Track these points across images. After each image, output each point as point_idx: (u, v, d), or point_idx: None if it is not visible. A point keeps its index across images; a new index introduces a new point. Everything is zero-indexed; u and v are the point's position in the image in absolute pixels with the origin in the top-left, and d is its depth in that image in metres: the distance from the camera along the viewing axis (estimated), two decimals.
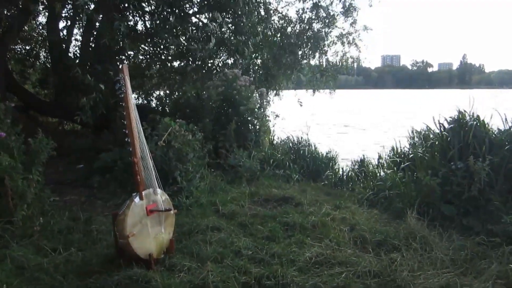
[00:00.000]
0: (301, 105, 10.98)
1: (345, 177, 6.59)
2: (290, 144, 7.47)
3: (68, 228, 4.09)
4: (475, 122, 4.72)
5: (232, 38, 7.42)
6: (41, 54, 11.54)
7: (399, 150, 6.40)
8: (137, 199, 3.27)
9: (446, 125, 5.09)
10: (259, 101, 7.08)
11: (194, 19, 7.91)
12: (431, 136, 5.50)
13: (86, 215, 4.49)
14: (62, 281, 3.09)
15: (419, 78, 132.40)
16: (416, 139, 6.17)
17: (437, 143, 5.14)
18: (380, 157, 6.24)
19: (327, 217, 4.39)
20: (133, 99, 3.33)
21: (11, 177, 4.01)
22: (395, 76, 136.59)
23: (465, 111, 4.94)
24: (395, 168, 5.73)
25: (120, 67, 3.27)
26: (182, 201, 4.76)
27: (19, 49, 11.32)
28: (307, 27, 10.30)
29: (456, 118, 4.95)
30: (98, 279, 3.08)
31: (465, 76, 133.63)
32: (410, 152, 6.08)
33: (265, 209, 4.80)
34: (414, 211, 4.17)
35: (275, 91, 10.93)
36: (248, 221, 4.29)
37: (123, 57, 7.94)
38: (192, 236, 3.90)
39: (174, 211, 3.56)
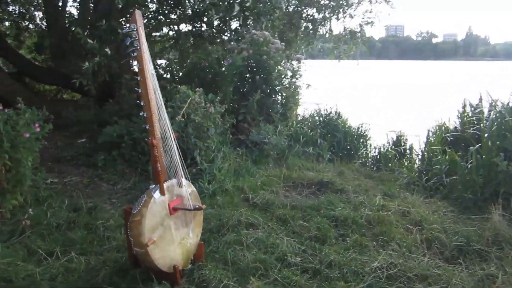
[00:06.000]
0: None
1: (380, 155, 5.82)
2: (317, 117, 6.61)
3: (68, 222, 3.30)
4: None
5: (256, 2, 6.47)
6: (35, 15, 10.46)
7: (445, 127, 5.58)
8: (156, 194, 2.46)
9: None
10: (292, 68, 6.17)
11: None
12: (495, 110, 4.65)
13: (90, 203, 3.72)
14: None
15: (424, 48, 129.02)
16: (467, 113, 5.35)
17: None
18: (428, 135, 5.39)
19: (383, 210, 3.60)
20: (150, 59, 2.48)
21: None
22: (399, 47, 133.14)
23: None
24: (447, 148, 4.92)
25: (132, 15, 2.41)
26: (204, 187, 3.97)
27: (12, 10, 10.24)
28: None
29: None
30: None
31: (470, 48, 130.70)
32: (461, 129, 5.27)
33: (304, 198, 4.02)
34: (500, 206, 3.35)
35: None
36: (288, 215, 3.49)
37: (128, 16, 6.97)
38: (223, 235, 3.12)
39: (203, 206, 2.75)
